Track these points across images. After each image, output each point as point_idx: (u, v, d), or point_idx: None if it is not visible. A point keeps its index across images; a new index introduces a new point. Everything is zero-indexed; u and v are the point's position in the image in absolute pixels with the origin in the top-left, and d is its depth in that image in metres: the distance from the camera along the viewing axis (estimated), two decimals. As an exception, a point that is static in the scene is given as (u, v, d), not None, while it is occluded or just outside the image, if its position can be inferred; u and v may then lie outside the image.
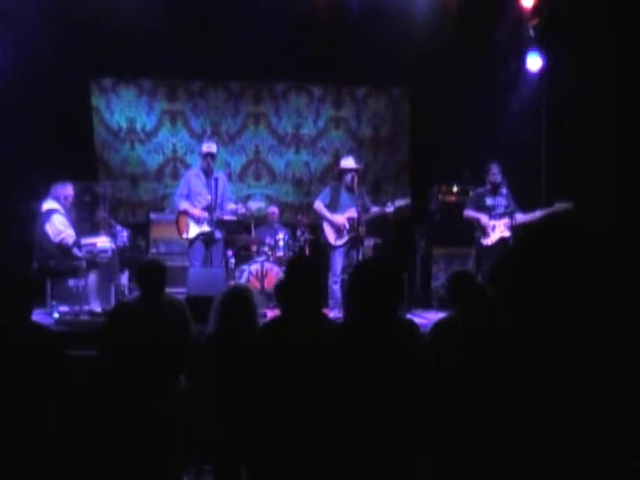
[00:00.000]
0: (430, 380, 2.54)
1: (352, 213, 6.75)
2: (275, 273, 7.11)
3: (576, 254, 1.17)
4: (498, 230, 6.65)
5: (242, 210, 6.91)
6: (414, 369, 2.56)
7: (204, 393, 3.44)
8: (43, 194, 6.41)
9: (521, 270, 1.21)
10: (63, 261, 6.25)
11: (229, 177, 7.50)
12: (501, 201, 6.75)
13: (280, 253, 7.43)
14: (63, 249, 6.25)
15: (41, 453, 2.96)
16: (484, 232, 6.71)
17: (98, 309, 6.24)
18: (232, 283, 6.56)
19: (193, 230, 6.72)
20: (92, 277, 6.34)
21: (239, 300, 3.45)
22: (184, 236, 6.79)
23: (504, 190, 6.76)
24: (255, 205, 7.29)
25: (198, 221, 6.70)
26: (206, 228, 6.67)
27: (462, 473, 1.71)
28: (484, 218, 6.70)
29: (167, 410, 2.96)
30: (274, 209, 8.39)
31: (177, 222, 6.85)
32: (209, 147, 6.89)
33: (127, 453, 2.66)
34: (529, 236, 1.27)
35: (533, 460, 1.21)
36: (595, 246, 1.18)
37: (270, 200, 9.05)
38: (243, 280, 7.02)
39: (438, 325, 3.86)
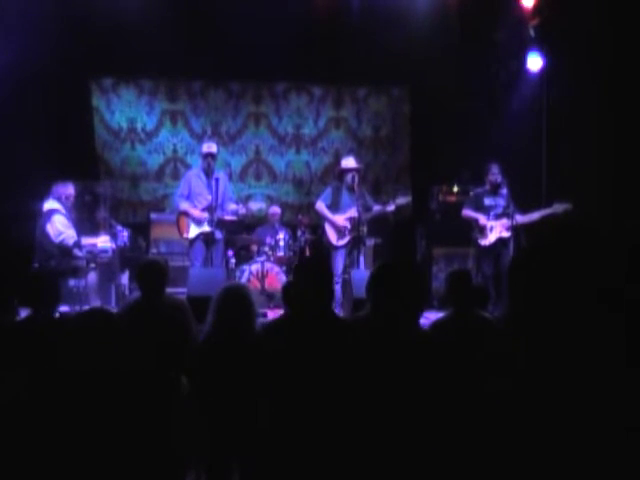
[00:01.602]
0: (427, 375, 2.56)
1: (353, 213, 6.76)
2: (275, 273, 7.11)
3: (585, 259, 1.18)
4: (496, 231, 6.62)
5: (243, 210, 6.91)
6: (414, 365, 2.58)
7: (200, 393, 3.43)
8: (44, 194, 6.41)
9: (533, 277, 1.22)
10: (63, 261, 6.25)
11: (230, 177, 7.51)
12: (500, 201, 6.71)
13: (280, 253, 7.43)
14: (64, 249, 6.25)
15: (35, 451, 2.95)
16: (482, 232, 6.69)
17: (99, 309, 6.25)
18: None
19: (193, 230, 6.73)
20: (92, 277, 6.34)
21: (235, 299, 3.42)
22: (184, 236, 6.80)
23: (504, 190, 6.70)
24: (255, 205, 7.30)
25: (198, 222, 6.71)
26: (206, 228, 6.68)
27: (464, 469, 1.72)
28: (482, 218, 6.69)
29: (169, 412, 2.96)
30: (276, 209, 8.37)
31: (177, 222, 6.85)
32: (209, 147, 6.89)
33: (129, 455, 2.66)
34: (540, 245, 1.28)
35: (532, 460, 1.22)
36: (600, 250, 1.19)
37: (271, 200, 9.06)
38: (244, 280, 7.02)
39: (436, 324, 3.87)
